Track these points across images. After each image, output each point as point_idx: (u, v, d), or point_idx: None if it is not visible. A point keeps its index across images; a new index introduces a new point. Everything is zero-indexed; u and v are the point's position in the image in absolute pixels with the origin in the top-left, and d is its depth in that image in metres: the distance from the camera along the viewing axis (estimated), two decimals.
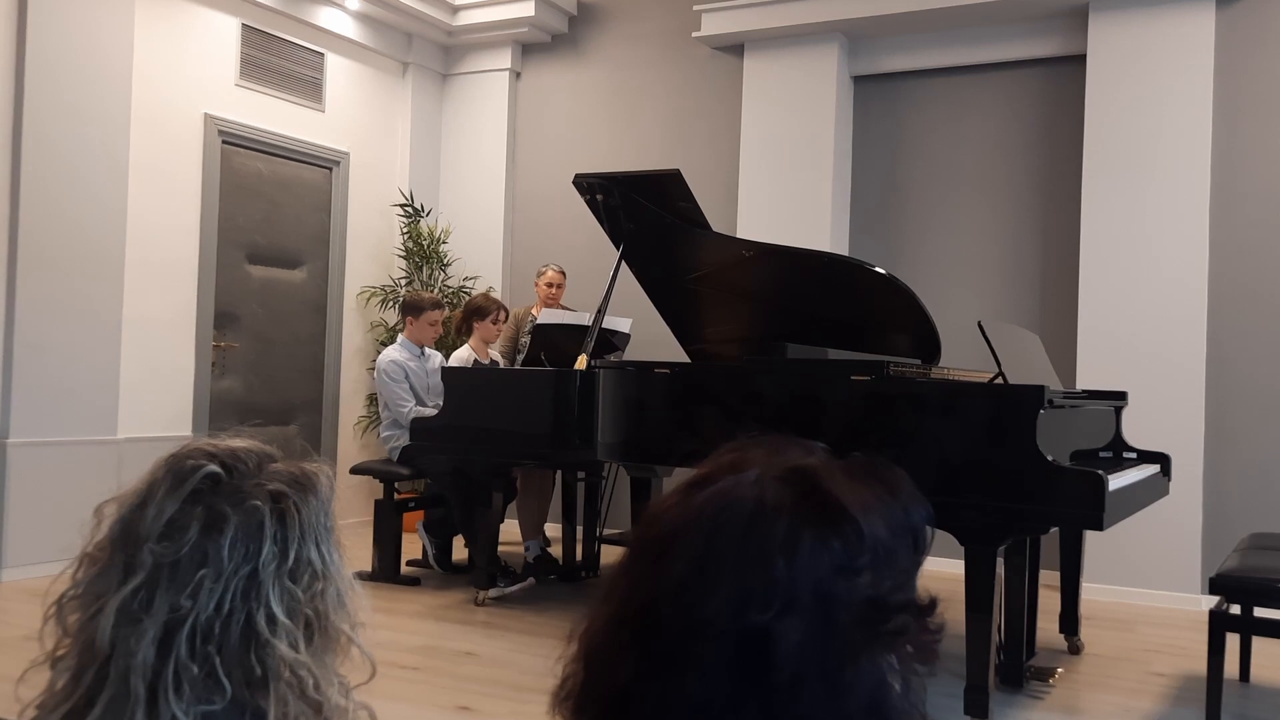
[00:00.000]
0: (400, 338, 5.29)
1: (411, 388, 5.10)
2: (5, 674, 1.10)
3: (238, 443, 1.00)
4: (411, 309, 5.28)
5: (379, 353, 5.37)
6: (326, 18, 6.26)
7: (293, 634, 0.93)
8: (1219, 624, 3.04)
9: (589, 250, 6.18)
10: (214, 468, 0.96)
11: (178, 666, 0.88)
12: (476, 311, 5.32)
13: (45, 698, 0.93)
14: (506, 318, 5.50)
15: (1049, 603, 4.05)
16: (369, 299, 6.61)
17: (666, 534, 0.63)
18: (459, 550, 5.31)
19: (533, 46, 6.93)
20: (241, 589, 0.92)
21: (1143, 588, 4.98)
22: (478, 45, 6.99)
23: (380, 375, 5.11)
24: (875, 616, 0.59)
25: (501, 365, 5.44)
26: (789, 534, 0.59)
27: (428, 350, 5.30)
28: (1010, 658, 3.50)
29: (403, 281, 6.70)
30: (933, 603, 0.61)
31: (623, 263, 4.43)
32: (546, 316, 5.17)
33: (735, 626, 0.58)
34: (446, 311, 5.59)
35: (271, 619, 0.92)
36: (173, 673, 0.88)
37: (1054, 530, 3.78)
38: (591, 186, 4.32)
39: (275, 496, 0.96)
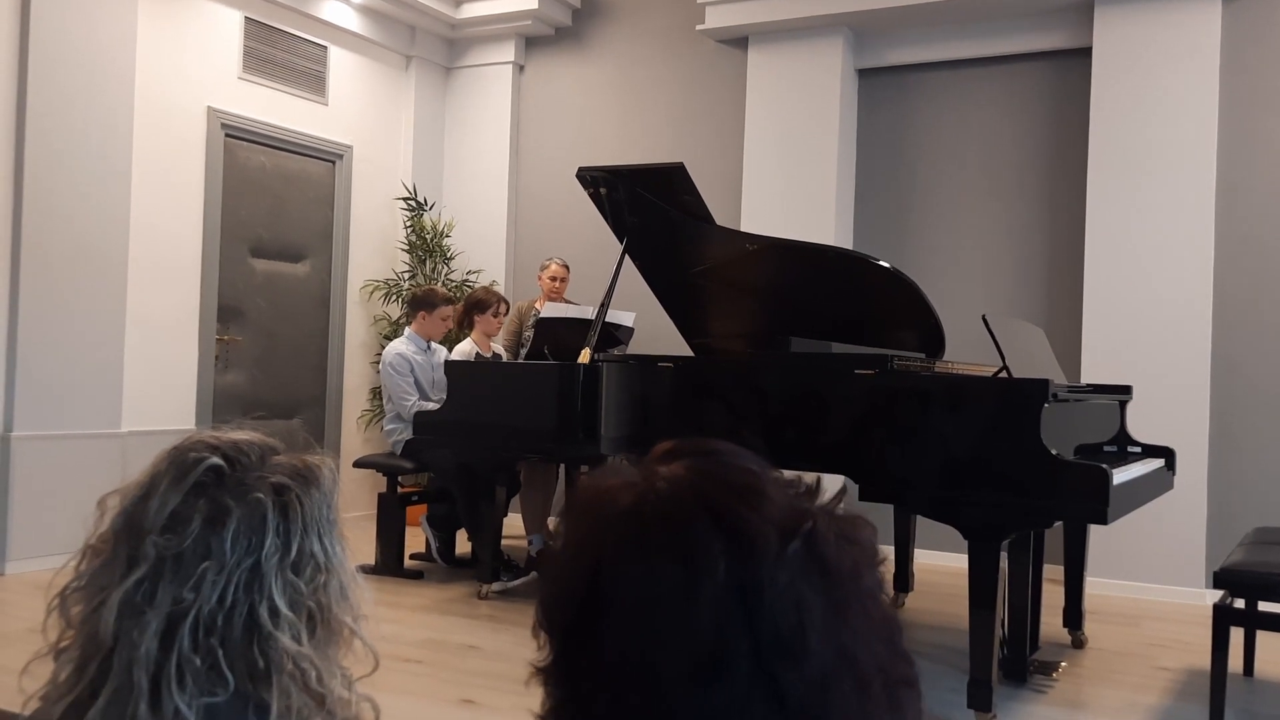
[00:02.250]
0: (407, 331, 5.28)
1: (416, 382, 5.10)
2: (9, 666, 1.10)
3: (240, 435, 1.00)
4: (425, 304, 5.25)
5: (383, 347, 5.36)
6: (329, 11, 6.25)
7: (295, 626, 0.93)
8: (1223, 618, 3.04)
9: (592, 244, 6.17)
10: (217, 460, 0.96)
11: (180, 659, 0.88)
12: (477, 305, 5.31)
13: (49, 689, 0.94)
14: (507, 310, 5.49)
15: (1053, 597, 4.05)
16: (372, 293, 6.61)
17: (670, 553, 0.64)
18: (462, 544, 5.32)
19: (536, 40, 6.92)
20: (244, 581, 0.92)
21: (1147, 582, 4.97)
22: (481, 39, 6.98)
23: (386, 368, 5.11)
24: (815, 503, 0.67)
25: (505, 359, 5.44)
26: (731, 505, 0.64)
27: (433, 344, 5.30)
28: (1014, 652, 3.50)
29: (406, 275, 6.70)
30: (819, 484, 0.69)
31: (626, 256, 4.42)
32: (550, 310, 5.16)
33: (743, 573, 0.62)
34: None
35: (274, 611, 0.92)
36: (176, 665, 0.88)
37: (1058, 524, 3.78)
38: (595, 180, 4.32)
39: (278, 489, 0.96)
